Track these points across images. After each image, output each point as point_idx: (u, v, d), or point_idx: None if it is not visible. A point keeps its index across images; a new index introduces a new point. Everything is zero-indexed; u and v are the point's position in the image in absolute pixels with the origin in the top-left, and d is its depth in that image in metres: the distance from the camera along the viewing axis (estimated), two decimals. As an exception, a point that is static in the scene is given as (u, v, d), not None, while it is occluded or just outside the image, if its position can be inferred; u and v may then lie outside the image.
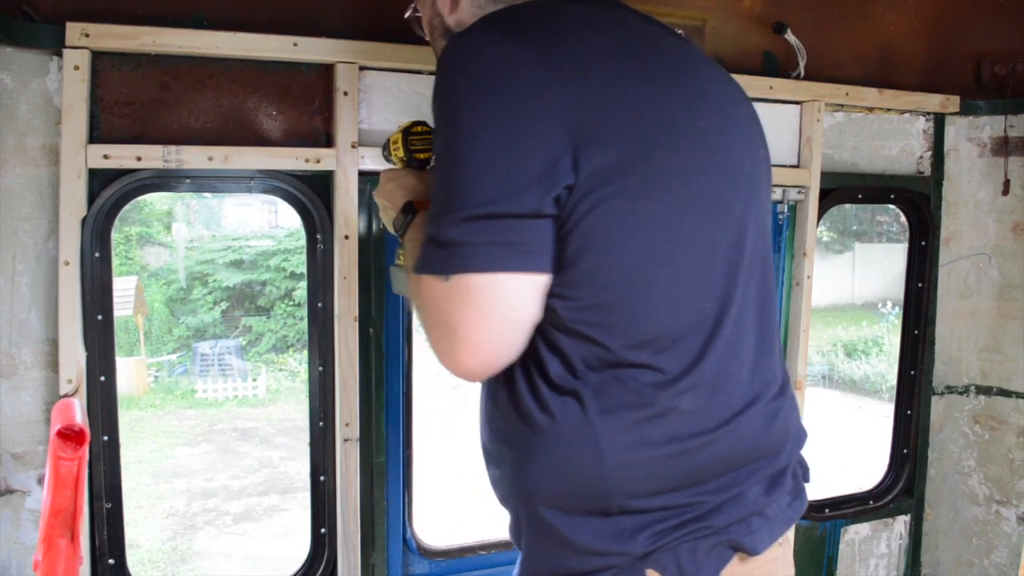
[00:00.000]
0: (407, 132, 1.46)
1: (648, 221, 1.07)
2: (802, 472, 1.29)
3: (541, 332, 1.10)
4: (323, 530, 1.96)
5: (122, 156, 1.69)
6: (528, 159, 1.01)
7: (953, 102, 2.51)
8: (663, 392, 1.08)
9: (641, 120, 1.07)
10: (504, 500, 1.22)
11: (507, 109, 1.02)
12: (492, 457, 1.22)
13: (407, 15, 1.50)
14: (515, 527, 1.20)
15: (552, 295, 1.06)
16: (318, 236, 1.90)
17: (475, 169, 1.02)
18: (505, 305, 1.03)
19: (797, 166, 2.35)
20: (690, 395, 1.10)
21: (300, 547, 3.21)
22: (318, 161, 1.83)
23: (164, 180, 1.77)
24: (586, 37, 1.10)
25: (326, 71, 1.86)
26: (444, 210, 1.03)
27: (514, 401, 1.14)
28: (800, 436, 1.27)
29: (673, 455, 1.10)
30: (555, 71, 1.04)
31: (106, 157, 1.67)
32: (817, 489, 1.84)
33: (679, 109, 1.12)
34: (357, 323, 1.89)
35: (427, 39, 1.41)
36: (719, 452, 1.13)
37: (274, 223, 18.67)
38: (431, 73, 1.92)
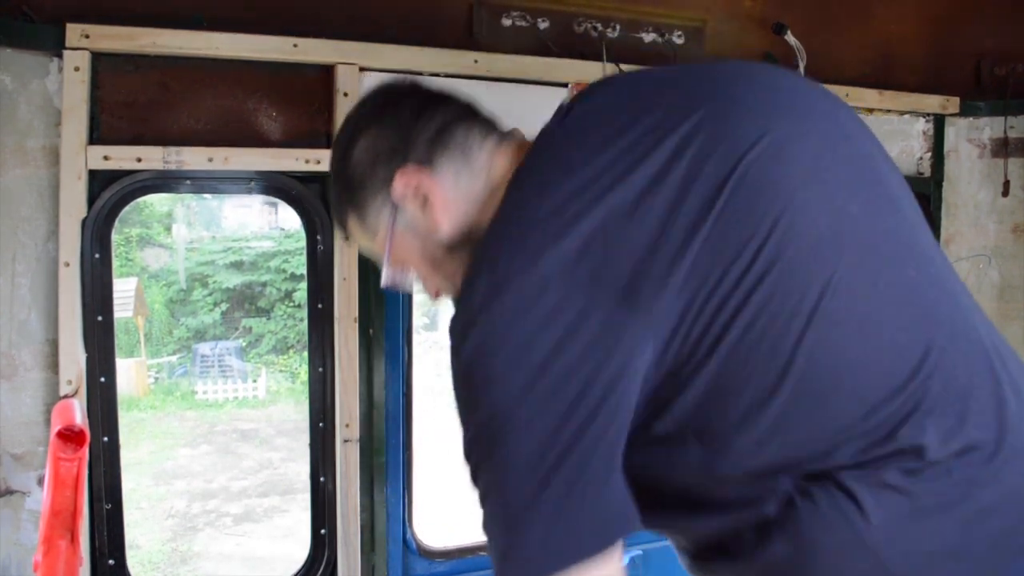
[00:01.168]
0: None
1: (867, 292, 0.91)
2: None
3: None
4: (323, 531, 1.96)
5: (122, 157, 1.69)
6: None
7: (953, 103, 2.51)
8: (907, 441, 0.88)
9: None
10: None
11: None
12: None
13: (388, 285, 1.18)
14: None
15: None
16: (318, 237, 1.90)
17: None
18: None
19: (797, 167, 2.35)
20: (932, 425, 0.88)
21: (300, 548, 3.20)
22: (318, 162, 1.83)
23: (164, 181, 1.77)
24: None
25: (326, 72, 1.85)
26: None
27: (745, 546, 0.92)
28: None
29: (955, 522, 0.88)
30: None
31: (106, 158, 1.67)
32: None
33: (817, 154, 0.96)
34: (357, 324, 1.89)
35: (429, 284, 1.16)
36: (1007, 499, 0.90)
37: (274, 224, 18.67)
38: (432, 74, 1.93)
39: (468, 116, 1.11)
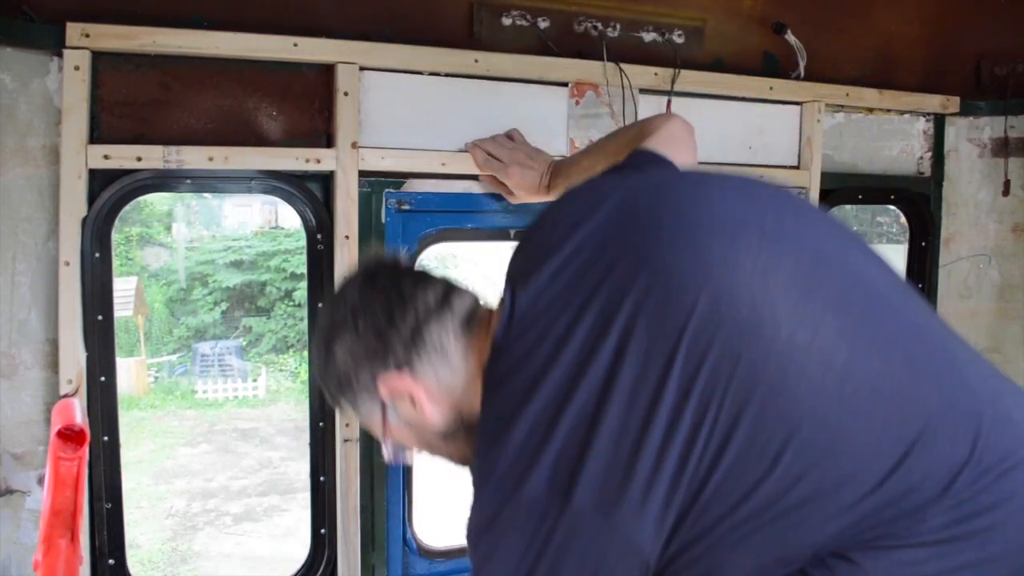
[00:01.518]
0: None
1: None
2: None
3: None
4: (323, 530, 1.96)
5: (122, 156, 1.69)
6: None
7: (953, 103, 2.51)
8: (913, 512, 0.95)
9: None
10: None
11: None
12: None
13: (391, 462, 1.27)
14: None
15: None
16: (318, 236, 1.90)
17: None
18: None
19: (797, 167, 2.34)
20: (922, 506, 0.94)
21: (300, 547, 3.20)
22: (318, 161, 1.83)
23: (164, 180, 1.77)
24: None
25: (326, 71, 1.85)
26: None
27: None
28: None
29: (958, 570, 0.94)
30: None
31: (106, 157, 1.67)
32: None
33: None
34: (357, 323, 1.89)
35: (433, 454, 1.26)
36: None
37: (274, 223, 18.67)
38: (432, 74, 1.93)
39: (438, 307, 1.15)
